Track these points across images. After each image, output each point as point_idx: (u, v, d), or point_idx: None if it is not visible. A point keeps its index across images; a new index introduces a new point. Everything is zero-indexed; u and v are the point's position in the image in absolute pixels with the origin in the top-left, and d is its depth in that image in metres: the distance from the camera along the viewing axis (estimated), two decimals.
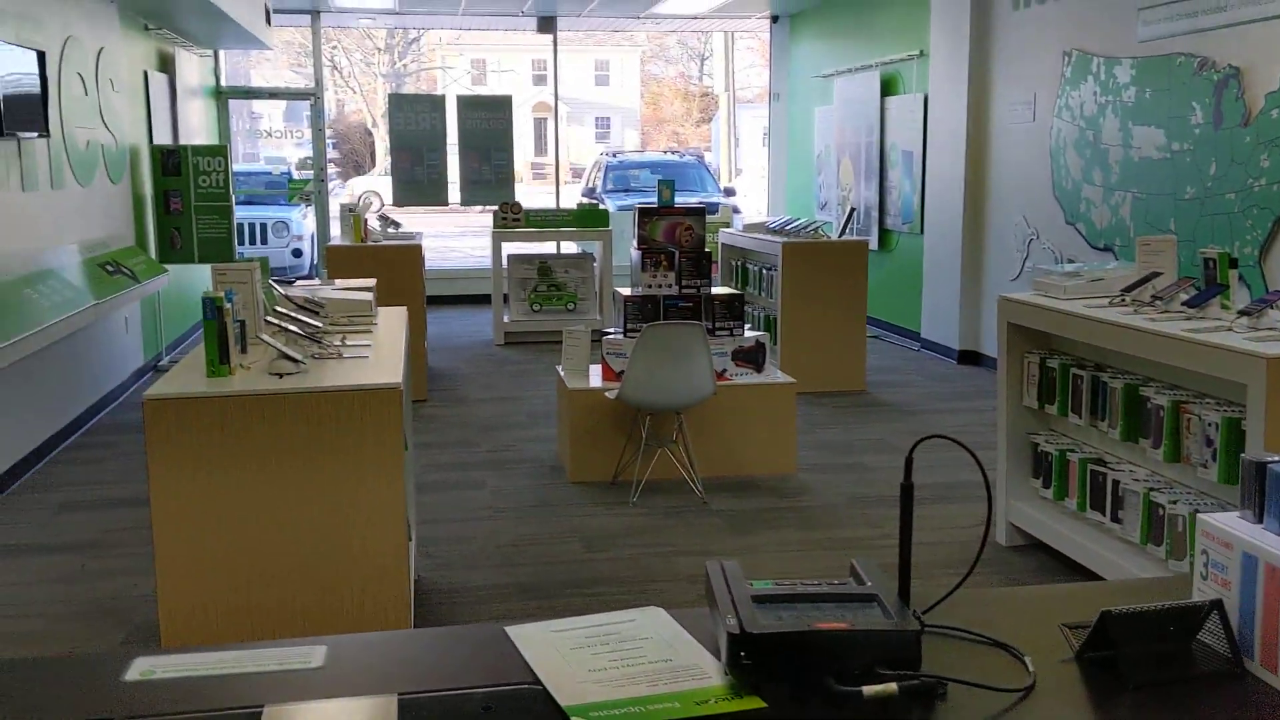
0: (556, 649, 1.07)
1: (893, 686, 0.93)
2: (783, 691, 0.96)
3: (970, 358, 8.28)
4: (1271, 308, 3.61)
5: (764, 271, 7.79)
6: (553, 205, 11.84)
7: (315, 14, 11.24)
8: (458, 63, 36.31)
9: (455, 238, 20.11)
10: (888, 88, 9.51)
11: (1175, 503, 3.65)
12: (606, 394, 5.25)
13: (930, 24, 8.52)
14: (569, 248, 11.20)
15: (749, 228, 8.36)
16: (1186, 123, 5.96)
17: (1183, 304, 3.84)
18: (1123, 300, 4.09)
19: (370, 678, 1.02)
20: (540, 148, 35.67)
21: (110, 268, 6.58)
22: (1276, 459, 1.05)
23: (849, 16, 10.43)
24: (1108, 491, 3.98)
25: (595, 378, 5.57)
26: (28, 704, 1.00)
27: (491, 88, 34.08)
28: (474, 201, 11.46)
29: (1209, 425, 3.50)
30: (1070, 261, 6.73)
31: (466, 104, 11.60)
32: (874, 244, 9.51)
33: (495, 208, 9.59)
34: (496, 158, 11.33)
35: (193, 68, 9.97)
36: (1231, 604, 1.03)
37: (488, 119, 11.37)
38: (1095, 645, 1.03)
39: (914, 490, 1.09)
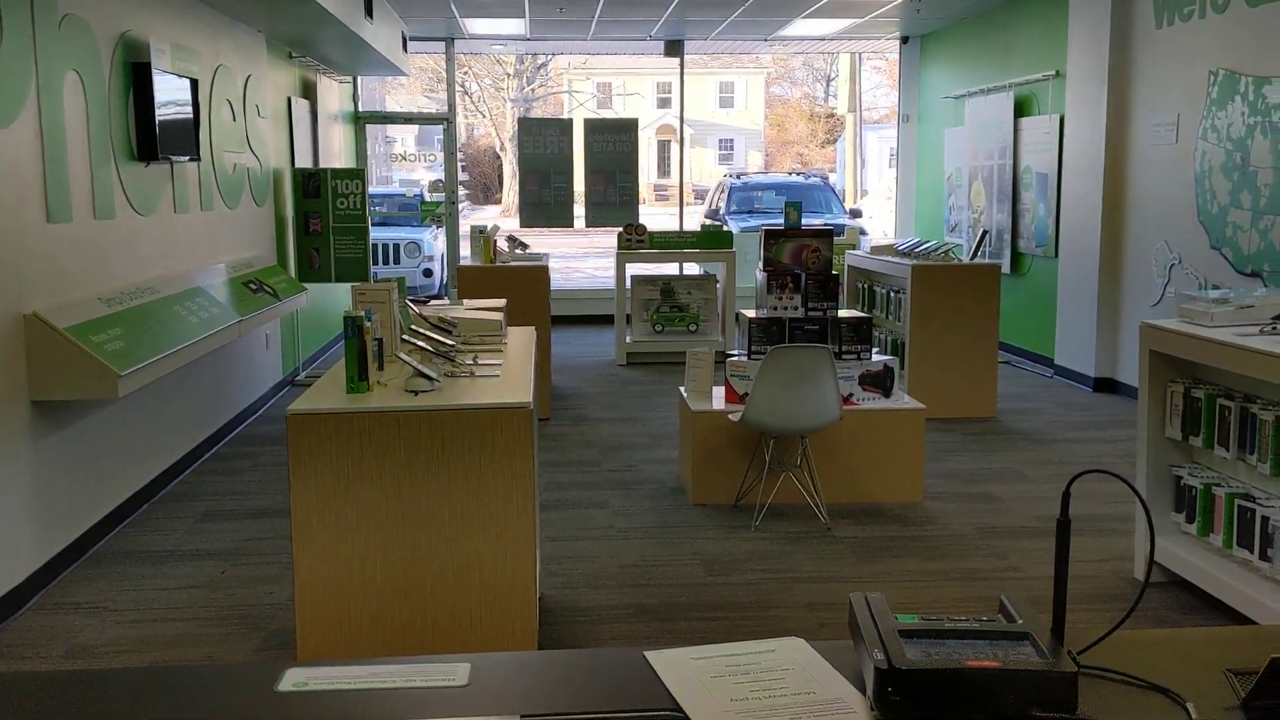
0: (698, 676, 1.07)
1: None
2: None
3: (1106, 385, 8.00)
4: None
5: (892, 294, 7.67)
6: (676, 227, 11.88)
7: (450, 40, 11.55)
8: (584, 87, 36.84)
9: (580, 259, 20.37)
10: (1021, 109, 9.29)
11: None
12: (730, 416, 5.23)
13: (1068, 43, 8.30)
14: (692, 269, 11.22)
15: (876, 250, 8.24)
16: None
17: None
18: (1274, 328, 3.91)
19: (513, 698, 1.03)
20: (663, 170, 35.92)
21: (253, 286, 6.85)
22: None
23: (982, 37, 10.24)
24: (1256, 528, 3.80)
25: (718, 400, 5.56)
26: (189, 713, 1.04)
27: (616, 111, 34.47)
28: (599, 223, 11.59)
29: None
30: (1215, 288, 6.45)
31: (593, 127, 11.75)
32: (1006, 267, 9.28)
33: (620, 229, 9.68)
34: (621, 180, 11.44)
35: (333, 94, 10.34)
36: None
37: (613, 141, 11.50)
38: (1264, 693, 0.98)
39: (1070, 525, 1.05)
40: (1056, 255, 8.59)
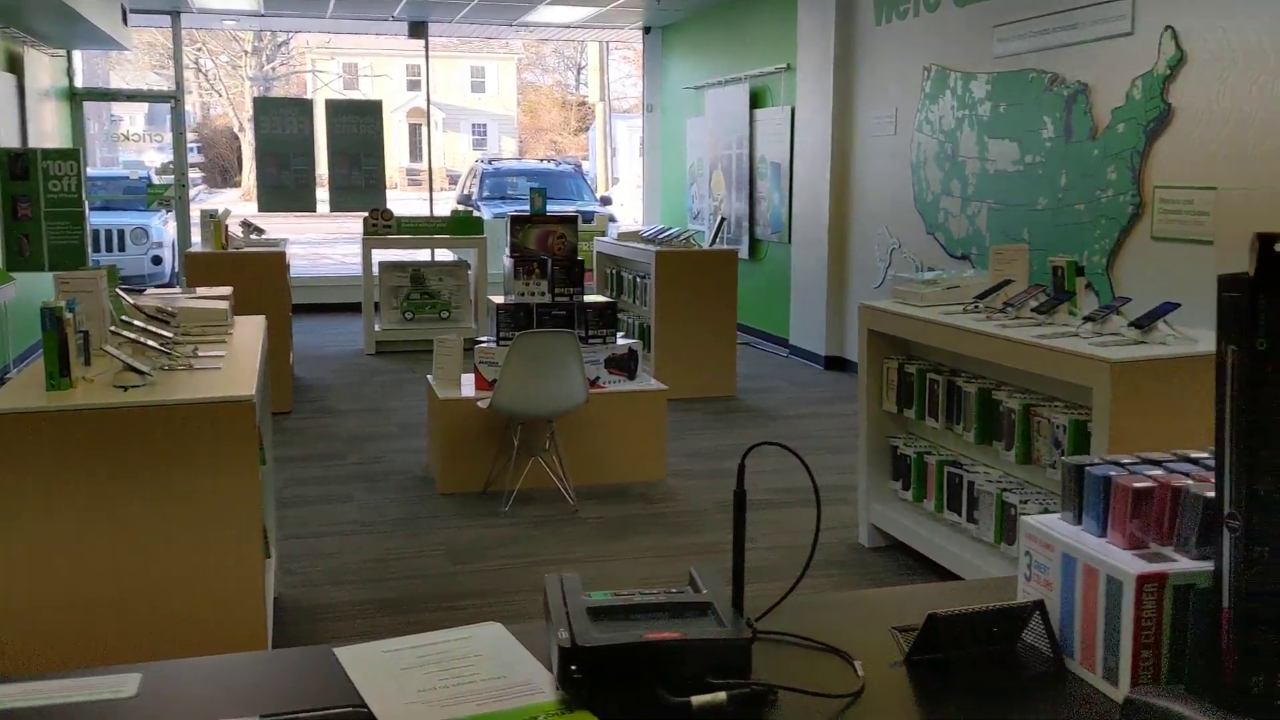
0: (386, 669, 1.04)
1: (722, 695, 0.93)
2: (615, 705, 0.95)
3: (836, 364, 8.46)
4: (1116, 314, 3.77)
5: (638, 280, 7.82)
6: (426, 212, 11.67)
7: (175, 14, 10.87)
8: (329, 67, 35.59)
9: (329, 244, 19.69)
10: (757, 100, 9.65)
11: (1026, 503, 3.78)
12: (478, 403, 5.19)
13: (797, 38, 8.68)
14: (444, 255, 11.06)
15: (623, 236, 8.38)
16: (1038, 136, 6.20)
17: (1032, 310, 3.98)
18: (976, 307, 4.23)
19: (181, 707, 0.98)
20: (416, 154, 35.19)
21: None
22: (1095, 462, 1.09)
23: (719, 29, 10.57)
24: (964, 492, 4.11)
25: (468, 387, 5.50)
26: None
27: (364, 93, 33.48)
28: (343, 208, 11.24)
29: (1057, 428, 3.63)
30: (930, 270, 6.93)
31: (335, 109, 11.37)
32: (745, 253, 9.64)
33: (365, 214, 9.41)
34: (367, 163, 11.13)
35: (43, 68, 9.53)
36: (1053, 604, 1.06)
37: (357, 124, 11.17)
38: (924, 648, 1.05)
39: (746, 496, 1.09)
40: (790, 241, 8.99)
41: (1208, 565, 0.96)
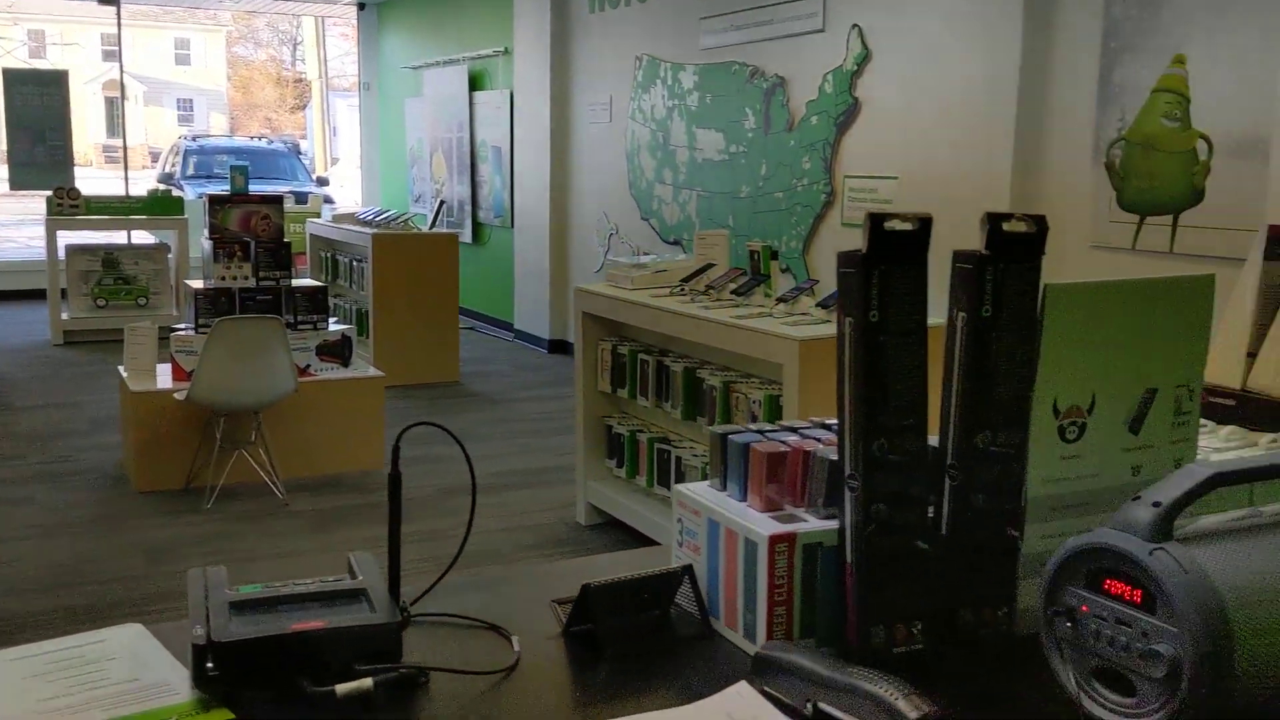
0: (8, 679, 0.96)
1: (368, 682, 0.91)
2: (256, 700, 0.91)
3: (560, 347, 8.54)
4: (805, 295, 4.00)
5: (355, 263, 7.60)
6: (121, 191, 10.86)
7: None
8: (12, 33, 32.45)
9: (13, 226, 17.98)
10: (476, 83, 9.58)
11: None
12: (175, 395, 4.89)
13: (514, 21, 8.67)
14: (143, 238, 10.33)
15: (338, 218, 8.12)
16: (741, 127, 6.47)
17: (731, 293, 4.16)
18: (682, 290, 4.37)
19: None
20: (114, 129, 32.67)
21: None
22: (739, 430, 1.14)
23: (435, 9, 10.40)
24: (672, 467, 4.24)
25: (164, 378, 5.16)
26: None
27: (52, 62, 30.75)
28: (24, 186, 10.29)
29: (754, 403, 3.82)
30: (645, 255, 7.11)
31: (15, 78, 10.39)
32: (468, 237, 9.56)
33: (49, 193, 8.66)
34: (52, 138, 10.23)
35: None
36: (701, 569, 1.11)
37: (40, 95, 10.25)
38: (579, 618, 1.07)
39: (401, 479, 1.08)
40: (513, 225, 8.99)
41: (834, 524, 1.03)
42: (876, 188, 5.55)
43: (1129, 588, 0.88)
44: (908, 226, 1.00)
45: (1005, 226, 1.03)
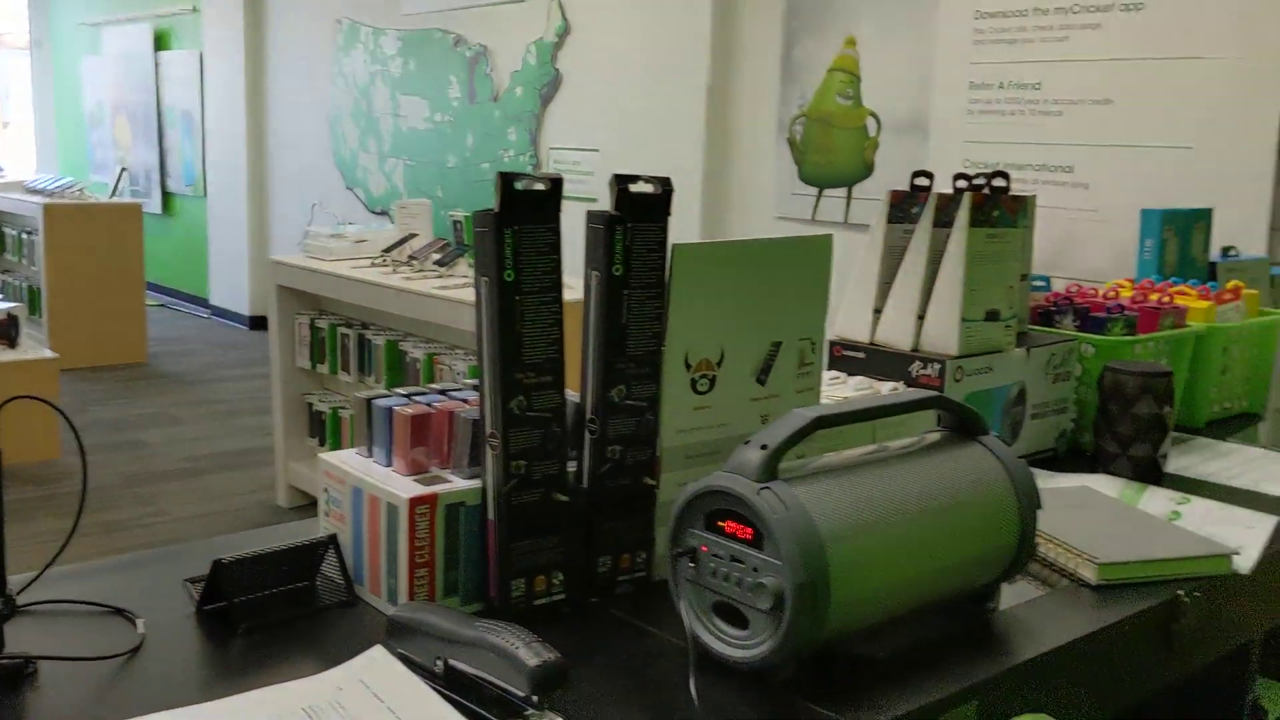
0: None
1: None
2: None
3: (261, 323, 8.13)
4: None
5: (24, 236, 6.95)
6: None
7: None
8: None
9: None
10: (161, 42, 8.95)
11: None
12: None
13: None
14: None
15: (5, 187, 7.39)
16: (446, 96, 6.38)
17: (434, 263, 4.11)
18: (383, 261, 4.27)
19: None
20: None
21: None
22: (384, 395, 1.13)
23: None
24: None
25: None
26: None
27: None
28: None
29: (458, 374, 3.79)
30: (350, 225, 6.90)
31: None
32: (156, 208, 8.95)
33: None
34: None
35: None
36: (346, 537, 1.09)
37: None
38: (212, 596, 1.02)
39: (2, 456, 0.99)
40: (206, 195, 8.49)
41: (477, 483, 1.04)
42: (579, 160, 5.62)
43: (741, 526, 0.94)
44: (539, 186, 1.02)
45: (632, 188, 1.06)
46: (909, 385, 1.47)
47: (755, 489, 0.92)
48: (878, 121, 4.53)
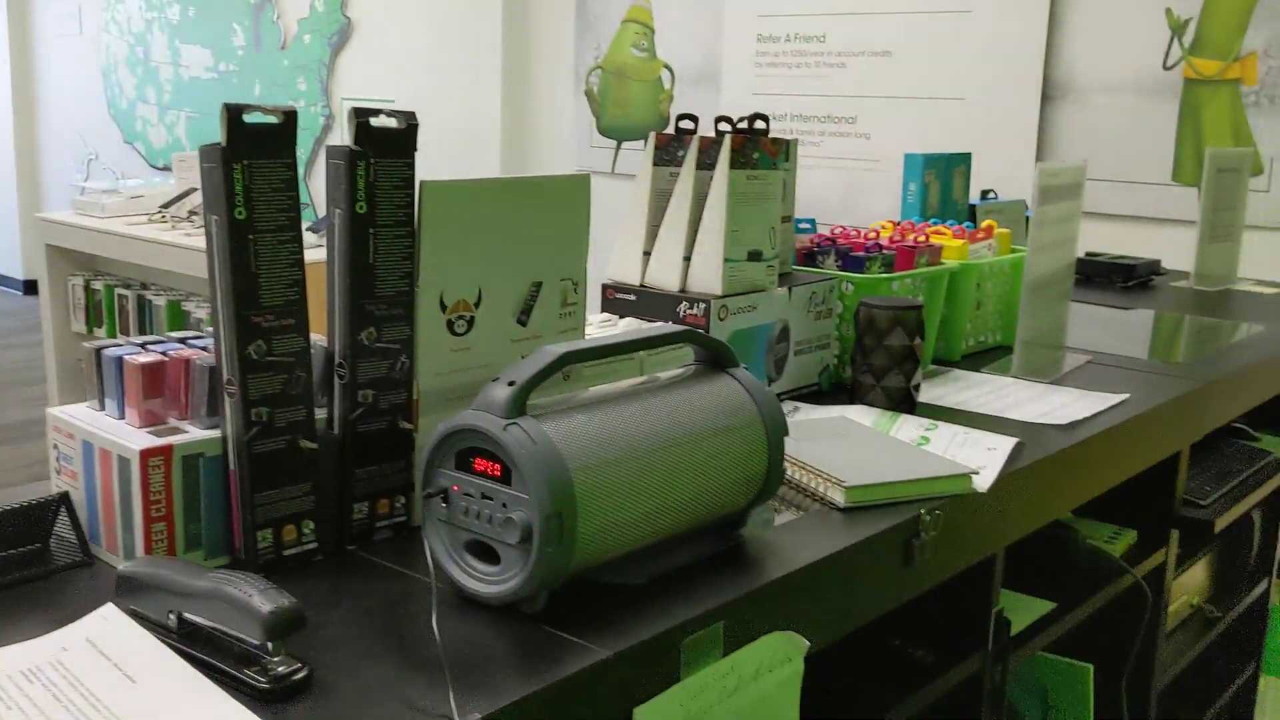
0: None
1: None
2: None
3: (36, 288, 7.66)
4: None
5: None
6: None
7: None
8: None
9: None
10: None
11: None
12: None
13: None
14: None
15: None
16: (230, 44, 6.09)
17: None
18: (162, 217, 4.06)
19: None
20: None
21: None
22: (115, 344, 1.07)
23: None
24: None
25: None
26: None
27: None
28: None
29: None
30: (131, 181, 6.52)
31: None
32: None
33: None
34: None
35: None
36: (79, 495, 1.03)
37: None
38: None
39: None
40: None
41: (217, 433, 1.00)
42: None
43: (490, 463, 0.93)
44: (272, 119, 0.98)
45: (374, 123, 1.03)
46: (676, 325, 1.50)
47: (502, 425, 0.92)
48: (672, 74, 4.57)
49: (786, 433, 1.13)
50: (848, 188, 4.09)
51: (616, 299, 1.56)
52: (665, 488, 1.01)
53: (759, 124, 1.59)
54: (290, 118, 0.98)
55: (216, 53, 6.14)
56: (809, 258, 1.76)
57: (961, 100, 3.86)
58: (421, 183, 1.06)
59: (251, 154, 0.96)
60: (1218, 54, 3.40)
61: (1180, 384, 1.78)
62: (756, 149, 1.51)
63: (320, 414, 1.07)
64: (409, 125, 1.04)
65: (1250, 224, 3.29)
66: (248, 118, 0.96)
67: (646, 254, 1.56)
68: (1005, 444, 1.40)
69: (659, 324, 1.47)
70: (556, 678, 0.85)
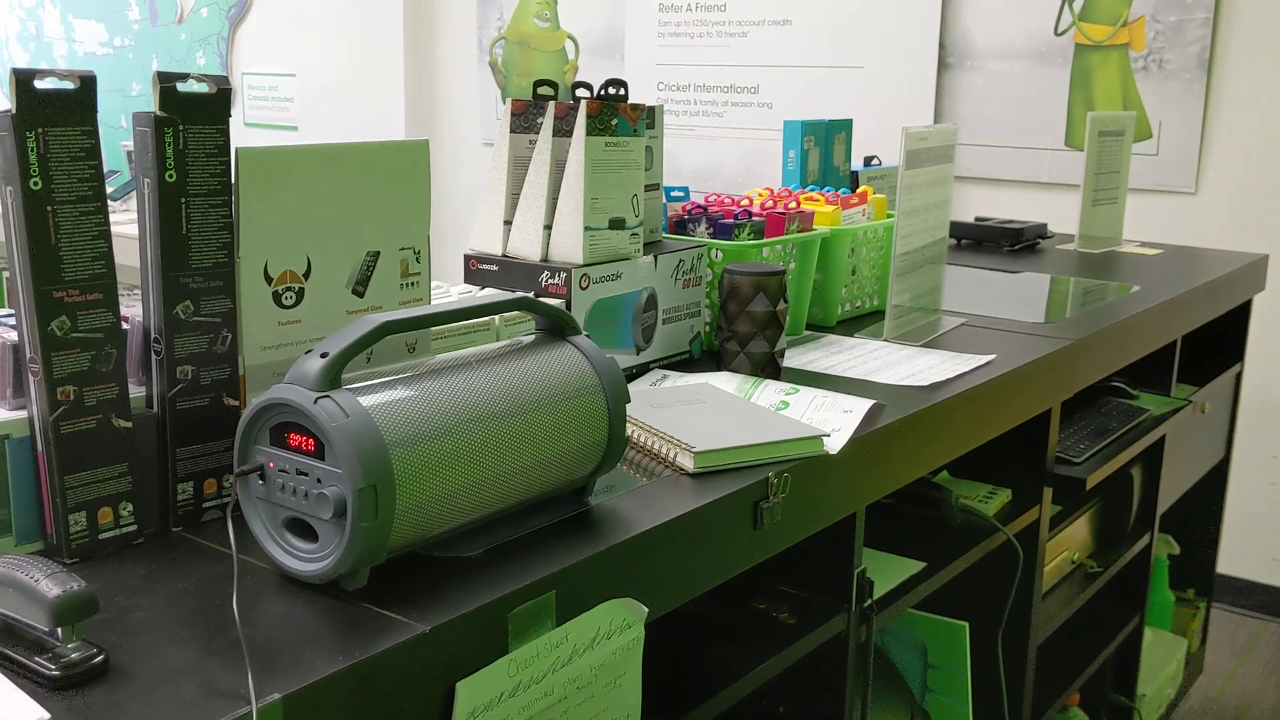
0: None
1: None
2: None
3: None
4: None
5: None
6: None
7: None
8: None
9: None
10: None
11: None
12: None
13: None
14: None
15: None
16: (125, 18, 5.90)
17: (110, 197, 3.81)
18: None
19: None
20: None
21: None
22: None
23: None
24: None
25: None
26: None
27: None
28: None
29: None
30: None
31: None
32: None
33: None
34: None
35: None
36: None
37: None
38: None
39: None
40: None
41: (23, 414, 0.96)
42: (276, 85, 5.34)
43: (304, 438, 0.91)
44: (69, 85, 0.94)
45: (181, 88, 0.99)
46: (538, 295, 1.48)
47: (313, 398, 0.89)
48: (575, 44, 4.53)
49: (629, 400, 1.12)
50: (754, 157, 4.09)
51: (480, 270, 1.54)
52: (495, 459, 0.99)
53: (615, 89, 1.57)
54: (88, 83, 0.94)
55: (110, 27, 5.95)
56: (680, 226, 1.75)
57: (861, 69, 3.88)
58: (238, 150, 1.02)
59: (46, 121, 0.92)
60: (1107, 19, 3.45)
61: (1050, 344, 1.81)
62: (615, 115, 1.49)
63: (141, 392, 1.03)
64: (220, 90, 1.01)
65: (1138, 187, 3.36)
66: (40, 83, 0.91)
67: (508, 223, 1.53)
68: (861, 406, 1.41)
69: (495, 291, 1.45)
70: (367, 654, 0.83)
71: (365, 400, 0.91)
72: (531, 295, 1.08)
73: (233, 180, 1.02)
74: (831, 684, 1.47)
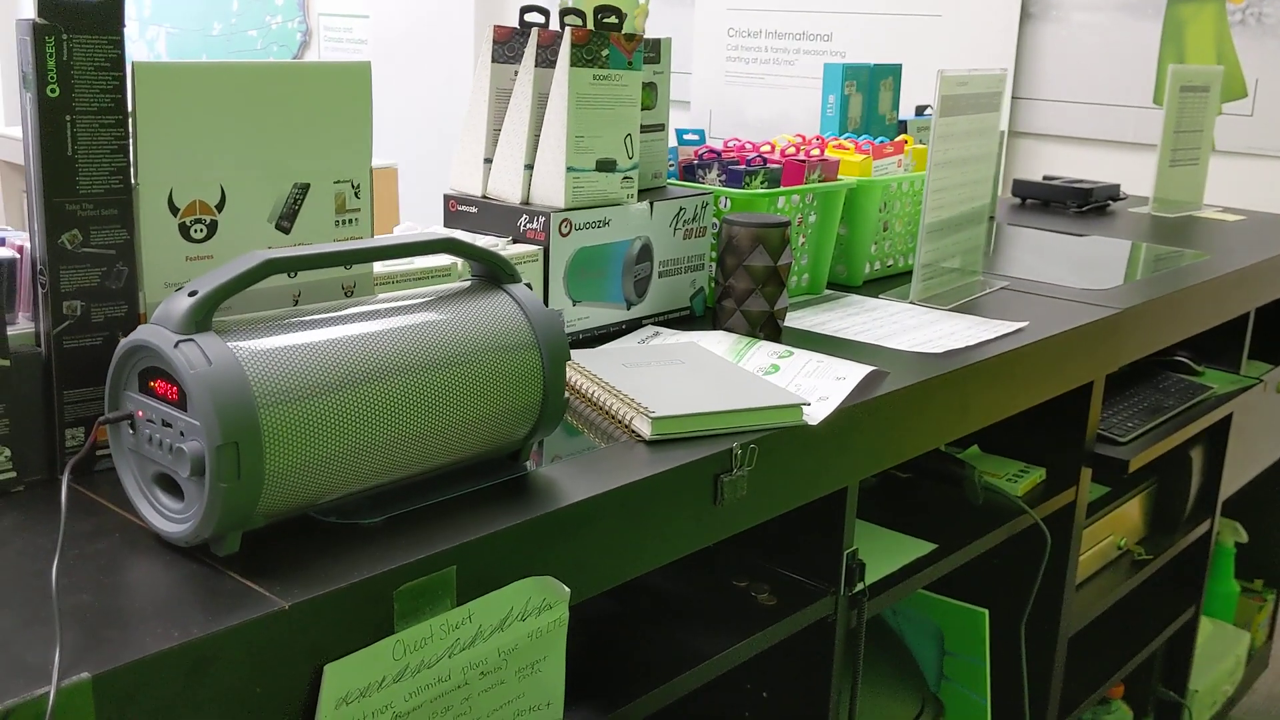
0: None
1: None
2: None
3: None
4: None
5: None
6: None
7: None
8: None
9: None
10: None
11: None
12: None
13: None
14: None
15: None
16: None
17: None
18: None
19: None
20: None
21: None
22: None
23: None
24: None
25: None
26: None
27: None
28: None
29: None
30: None
31: None
32: None
33: None
34: None
35: None
36: None
37: None
38: None
39: None
40: None
41: None
42: (352, 27, 5.29)
43: (169, 385, 0.82)
44: None
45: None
46: (516, 240, 1.37)
47: (174, 341, 0.80)
48: None
49: (569, 357, 1.01)
50: None
51: (458, 211, 1.43)
52: (399, 419, 0.89)
53: (607, 17, 1.44)
54: None
55: None
56: (689, 171, 1.62)
57: (939, 17, 3.66)
58: (134, 64, 0.93)
59: (69, 28, 0.85)
60: None
61: (1094, 311, 1.64)
62: (606, 45, 1.37)
63: (31, 329, 0.95)
64: None
65: (1230, 149, 3.11)
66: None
67: (488, 161, 1.42)
68: (858, 373, 1.27)
69: (415, 229, 1.34)
70: (208, 631, 0.74)
71: (236, 345, 0.82)
72: (435, 233, 0.96)
73: (129, 99, 0.93)
74: (817, 671, 1.35)
